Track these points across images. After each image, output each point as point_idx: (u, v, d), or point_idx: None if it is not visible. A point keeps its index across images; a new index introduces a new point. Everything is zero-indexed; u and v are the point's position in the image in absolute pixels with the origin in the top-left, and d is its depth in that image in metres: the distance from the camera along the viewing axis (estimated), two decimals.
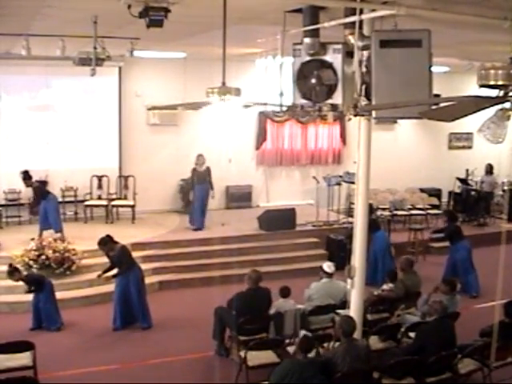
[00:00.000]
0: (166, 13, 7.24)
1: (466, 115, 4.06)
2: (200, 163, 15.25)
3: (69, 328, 10.87)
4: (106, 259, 11.62)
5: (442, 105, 4.36)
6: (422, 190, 19.41)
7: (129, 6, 7.13)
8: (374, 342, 9.03)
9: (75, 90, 16.13)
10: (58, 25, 9.90)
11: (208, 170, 15.25)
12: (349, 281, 8.63)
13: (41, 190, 14.09)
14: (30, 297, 10.81)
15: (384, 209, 16.98)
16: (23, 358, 8.19)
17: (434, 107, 4.80)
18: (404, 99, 6.68)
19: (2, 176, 15.52)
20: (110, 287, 11.84)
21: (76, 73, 12.81)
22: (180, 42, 12.20)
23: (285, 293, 9.63)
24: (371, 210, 13.49)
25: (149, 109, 16.21)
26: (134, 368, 9.39)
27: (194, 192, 15.38)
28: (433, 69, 7.24)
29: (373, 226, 12.18)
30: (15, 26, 10.11)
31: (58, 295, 11.10)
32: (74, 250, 12.67)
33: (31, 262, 12.05)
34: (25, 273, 11.19)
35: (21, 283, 10.63)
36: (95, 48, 10.14)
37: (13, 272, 10.54)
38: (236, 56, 13.57)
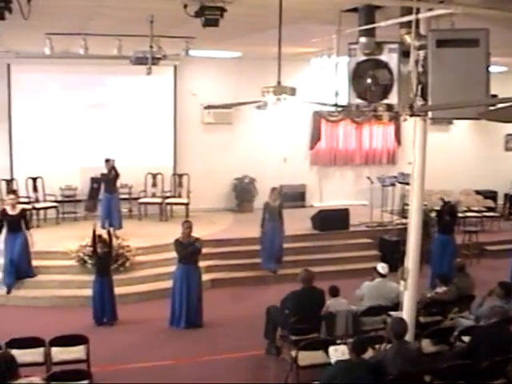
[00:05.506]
0: (221, 12, 7.31)
1: None
2: (273, 197, 13.82)
3: (122, 324, 11.03)
4: (159, 256, 11.77)
5: (500, 105, 4.28)
6: (477, 192, 19.10)
7: (185, 6, 7.23)
8: (426, 344, 8.92)
9: (131, 88, 16.35)
10: (114, 24, 10.03)
11: (281, 205, 13.95)
12: (402, 282, 8.56)
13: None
14: (86, 291, 10.99)
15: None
16: (77, 352, 8.32)
17: (492, 108, 4.72)
18: (460, 99, 6.58)
19: (58, 173, 15.81)
20: (162, 284, 11.96)
21: (132, 72, 12.99)
22: (235, 41, 12.24)
23: (334, 292, 9.61)
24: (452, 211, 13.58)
25: (205, 107, 16.31)
26: (184, 365, 9.47)
27: (265, 230, 13.71)
28: (490, 69, 7.14)
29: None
30: (73, 26, 10.28)
31: None
32: (128, 246, 12.82)
33: (86, 258, 12.23)
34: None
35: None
36: (151, 47, 10.29)
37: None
38: (291, 55, 13.56)
